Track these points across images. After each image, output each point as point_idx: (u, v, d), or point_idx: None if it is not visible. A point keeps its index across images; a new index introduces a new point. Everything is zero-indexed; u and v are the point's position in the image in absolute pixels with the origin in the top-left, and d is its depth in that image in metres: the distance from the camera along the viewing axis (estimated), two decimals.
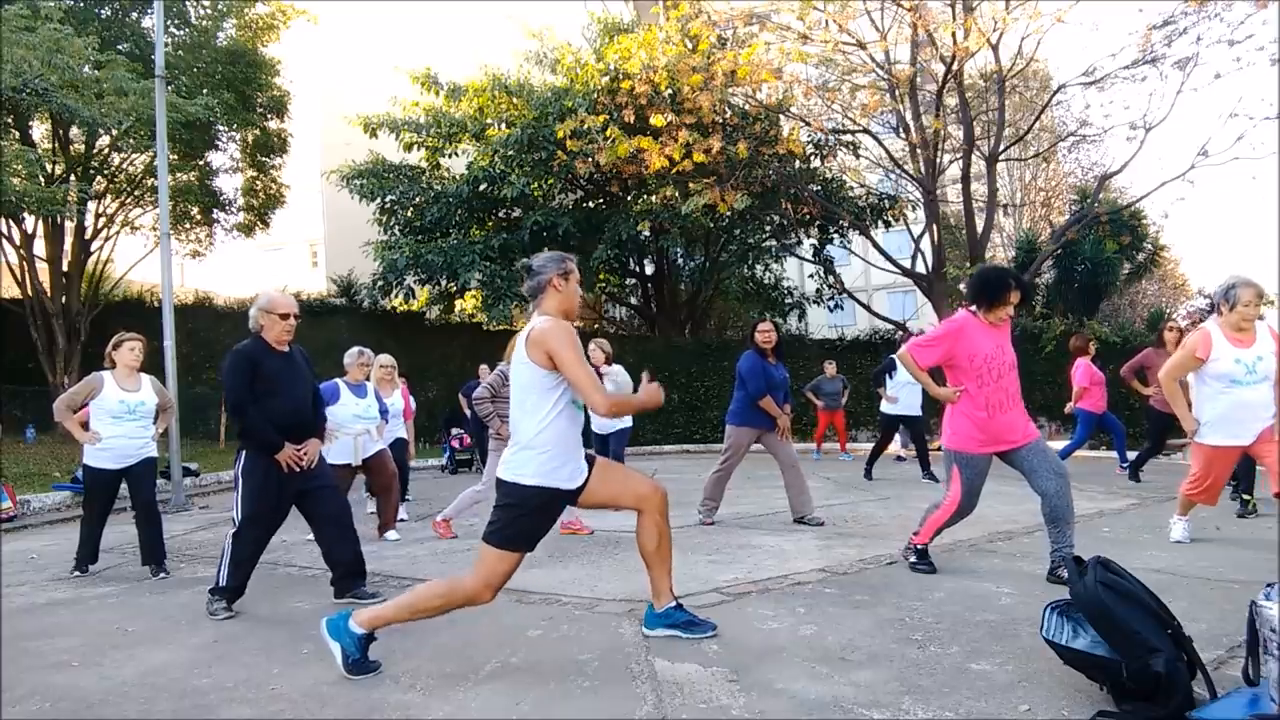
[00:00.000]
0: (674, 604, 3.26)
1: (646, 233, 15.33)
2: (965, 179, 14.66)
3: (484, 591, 2.90)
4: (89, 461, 5.04)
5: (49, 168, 13.75)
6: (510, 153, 15.05)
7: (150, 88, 10.35)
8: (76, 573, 5.04)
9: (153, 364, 7.21)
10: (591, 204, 17.39)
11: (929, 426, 10.17)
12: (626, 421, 7.23)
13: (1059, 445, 9.47)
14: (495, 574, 2.90)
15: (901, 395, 9.22)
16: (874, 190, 17.41)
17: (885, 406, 9.44)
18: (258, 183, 17.59)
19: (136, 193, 15.47)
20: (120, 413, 5.01)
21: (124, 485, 5.16)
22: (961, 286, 14.04)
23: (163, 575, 4.91)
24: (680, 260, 19.47)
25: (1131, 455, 8.85)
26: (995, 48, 13.40)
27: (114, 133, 13.18)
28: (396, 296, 16.94)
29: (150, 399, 5.15)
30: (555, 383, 2.93)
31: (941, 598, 3.75)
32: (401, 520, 6.59)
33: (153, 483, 5.22)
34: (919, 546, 4.36)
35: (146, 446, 5.14)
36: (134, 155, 15.01)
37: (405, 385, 7.82)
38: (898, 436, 10.51)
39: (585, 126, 13.53)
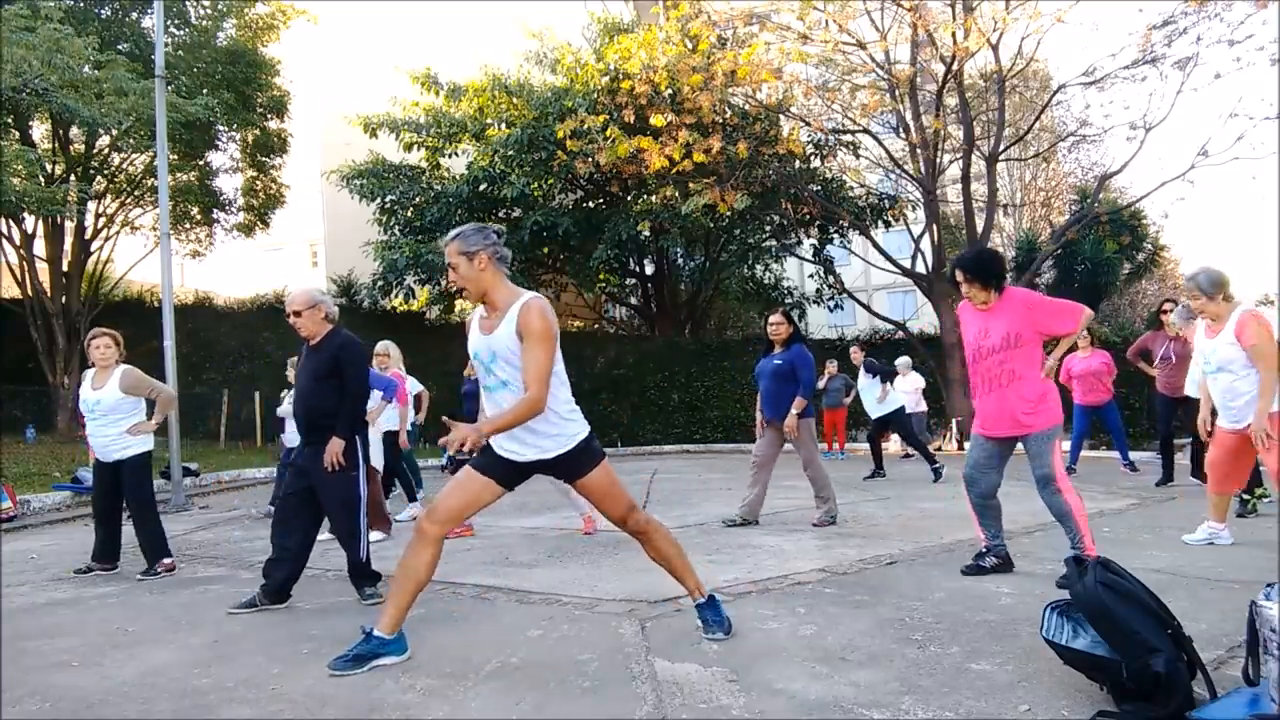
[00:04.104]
0: (702, 599, 3.29)
1: (646, 233, 15.33)
2: (965, 179, 14.65)
3: (423, 520, 3.04)
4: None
5: (49, 168, 13.77)
6: (510, 153, 15.05)
7: (150, 88, 10.35)
8: (86, 568, 5.06)
9: (153, 364, 7.22)
10: (591, 204, 17.40)
11: (930, 427, 10.20)
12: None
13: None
14: (440, 502, 3.06)
15: (892, 396, 9.42)
16: (874, 190, 17.41)
17: (878, 407, 9.51)
18: (258, 183, 17.60)
19: (136, 193, 15.48)
20: (86, 410, 5.04)
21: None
22: None
23: (155, 575, 4.90)
24: (680, 260, 19.48)
25: (1134, 455, 8.94)
26: (995, 48, 13.39)
27: (114, 133, 13.20)
28: (396, 296, 16.95)
29: (109, 397, 4.95)
30: None
31: (941, 598, 3.75)
32: (411, 520, 6.53)
33: (135, 482, 5.03)
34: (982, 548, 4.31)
35: (115, 444, 4.97)
36: (134, 155, 15.03)
37: (398, 373, 7.74)
38: (896, 436, 10.61)
39: (585, 126, 13.53)
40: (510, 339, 2.95)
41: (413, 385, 7.85)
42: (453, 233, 3.08)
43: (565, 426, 3.05)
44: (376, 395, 5.83)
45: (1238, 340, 4.41)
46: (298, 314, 4.11)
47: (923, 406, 12.42)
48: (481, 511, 6.16)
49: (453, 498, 3.08)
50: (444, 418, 2.96)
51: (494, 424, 2.93)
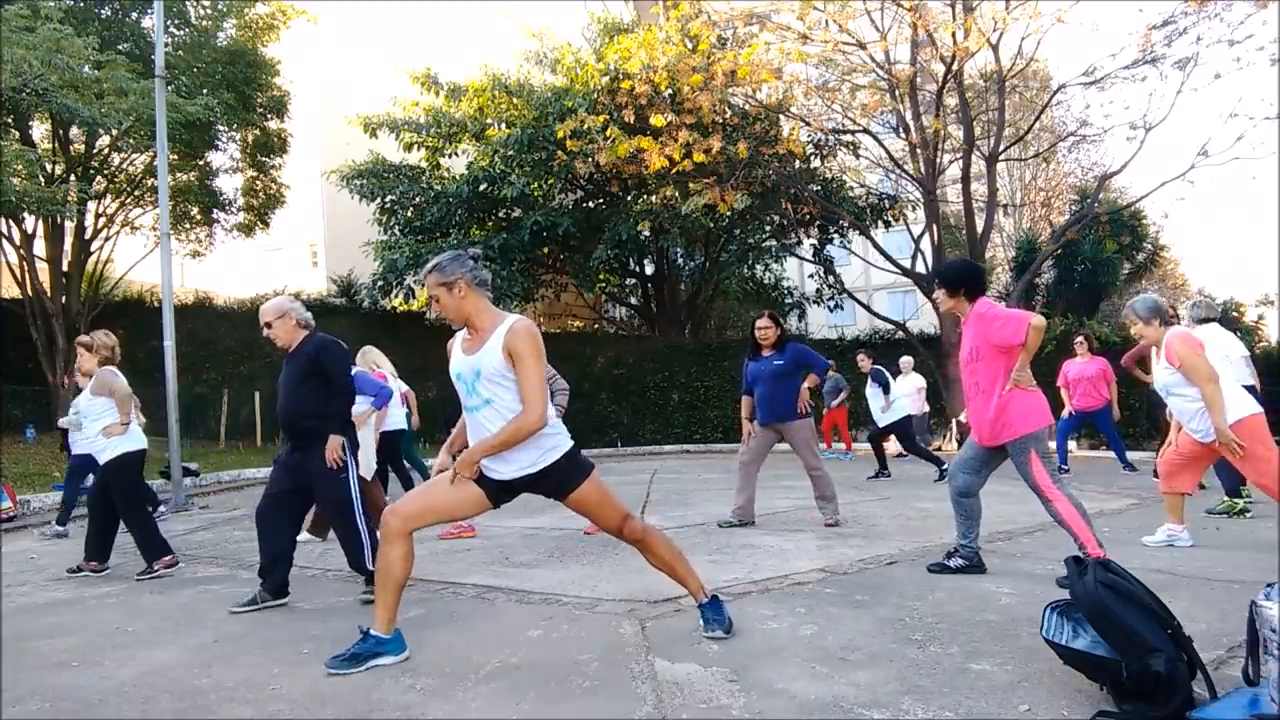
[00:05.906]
0: (705, 600, 3.31)
1: (646, 233, 15.34)
2: (965, 179, 14.66)
3: (388, 514, 3.04)
4: None
5: (49, 168, 13.77)
6: (510, 153, 15.06)
7: (150, 88, 10.35)
8: (77, 568, 5.07)
9: (153, 364, 7.23)
10: (591, 204, 17.40)
11: (929, 427, 10.19)
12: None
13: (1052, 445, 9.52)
14: (411, 497, 3.10)
15: (897, 405, 9.44)
16: (874, 190, 17.43)
17: (883, 416, 9.51)
18: (258, 183, 17.62)
19: (136, 193, 15.49)
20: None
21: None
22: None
23: (154, 574, 4.90)
24: (680, 260, 19.49)
25: (1131, 456, 8.97)
26: (995, 48, 13.41)
27: (114, 133, 13.21)
28: (396, 296, 16.96)
29: (83, 399, 5.16)
30: None
31: (941, 598, 3.75)
32: None
33: (115, 482, 5.00)
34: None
35: (94, 444, 5.07)
36: (134, 155, 15.05)
37: (381, 374, 7.67)
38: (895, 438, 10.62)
39: (585, 126, 13.54)
40: (497, 359, 2.95)
41: (398, 385, 7.77)
42: (430, 264, 3.08)
43: (545, 440, 3.01)
44: (366, 400, 5.75)
45: (1169, 364, 4.46)
46: (269, 325, 4.15)
47: (925, 407, 12.44)
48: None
49: (425, 497, 3.07)
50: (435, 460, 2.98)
51: (487, 445, 2.95)
